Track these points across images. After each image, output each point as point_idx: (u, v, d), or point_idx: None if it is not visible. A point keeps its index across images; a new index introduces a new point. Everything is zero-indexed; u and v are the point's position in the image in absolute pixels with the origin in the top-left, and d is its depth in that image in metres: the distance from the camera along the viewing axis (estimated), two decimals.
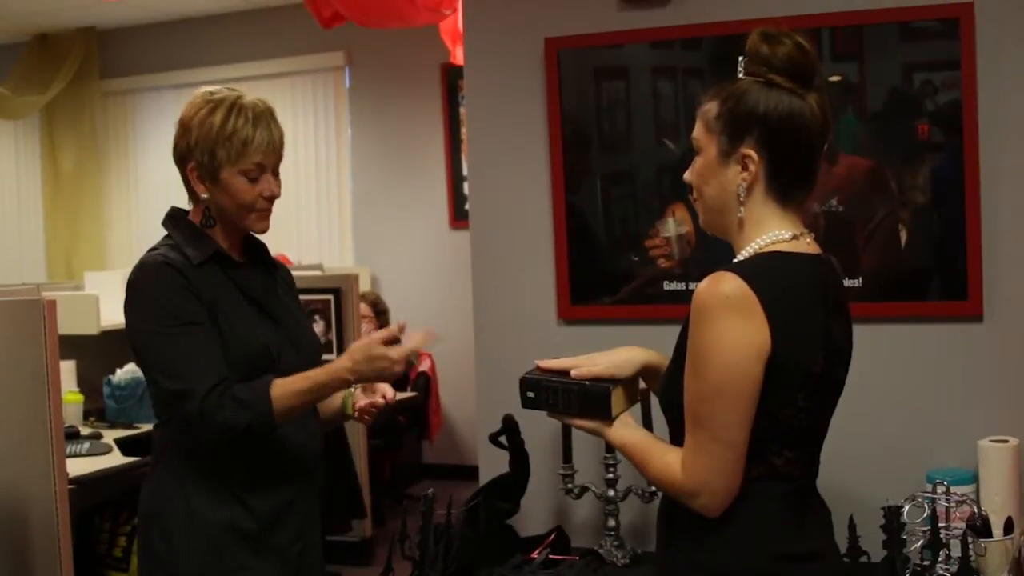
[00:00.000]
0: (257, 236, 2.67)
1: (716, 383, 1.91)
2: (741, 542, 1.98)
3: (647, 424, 2.88)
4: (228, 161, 2.48)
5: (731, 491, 1.95)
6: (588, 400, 2.22)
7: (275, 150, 2.54)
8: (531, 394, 2.30)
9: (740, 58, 2.06)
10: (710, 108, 2.05)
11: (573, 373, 2.19)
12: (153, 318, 2.44)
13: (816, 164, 2.05)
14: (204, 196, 2.51)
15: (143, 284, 2.46)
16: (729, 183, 2.03)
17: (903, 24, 3.01)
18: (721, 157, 2.03)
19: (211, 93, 2.54)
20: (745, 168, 2.01)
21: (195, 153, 2.49)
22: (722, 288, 1.91)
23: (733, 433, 1.92)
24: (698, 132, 2.07)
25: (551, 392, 2.27)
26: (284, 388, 2.42)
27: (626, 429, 2.16)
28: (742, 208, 2.02)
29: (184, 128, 2.52)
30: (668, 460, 2.01)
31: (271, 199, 2.55)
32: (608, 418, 2.18)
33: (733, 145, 2.01)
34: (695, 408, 1.95)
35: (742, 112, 2.00)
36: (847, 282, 3.01)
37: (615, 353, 2.25)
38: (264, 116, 2.52)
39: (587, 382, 2.22)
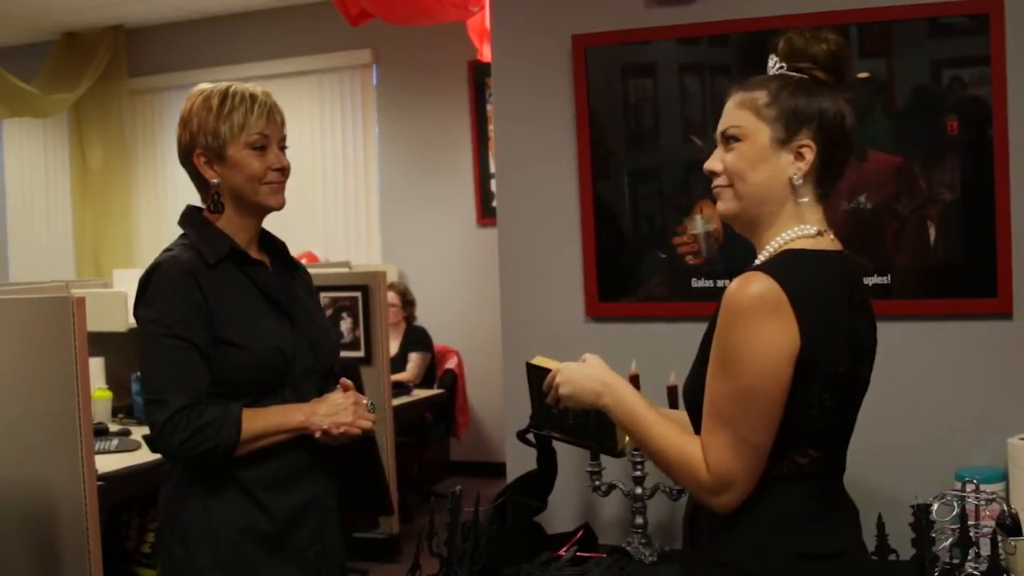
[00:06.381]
0: (276, 236, 2.68)
1: (747, 385, 1.90)
2: (764, 541, 1.97)
3: None
4: (232, 135, 2.49)
5: (750, 490, 1.95)
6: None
7: (276, 123, 2.56)
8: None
9: (772, 55, 2.06)
10: (758, 96, 2.02)
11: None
12: (148, 321, 2.45)
13: (849, 162, 2.08)
14: (215, 181, 2.52)
15: (150, 285, 2.47)
16: (781, 171, 2.01)
17: (932, 20, 2.99)
18: (775, 144, 2.00)
19: (203, 88, 2.57)
20: (801, 158, 2.00)
21: (199, 138, 2.51)
22: (754, 288, 1.90)
23: (761, 436, 1.92)
24: (740, 119, 2.03)
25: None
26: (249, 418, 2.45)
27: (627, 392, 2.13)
28: (791, 199, 2.01)
29: (184, 121, 2.55)
30: (689, 452, 1.97)
31: (281, 171, 2.56)
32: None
33: (790, 134, 2.00)
34: (722, 408, 1.93)
35: (802, 104, 2.00)
36: (876, 279, 3.00)
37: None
38: (259, 95, 2.55)
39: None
